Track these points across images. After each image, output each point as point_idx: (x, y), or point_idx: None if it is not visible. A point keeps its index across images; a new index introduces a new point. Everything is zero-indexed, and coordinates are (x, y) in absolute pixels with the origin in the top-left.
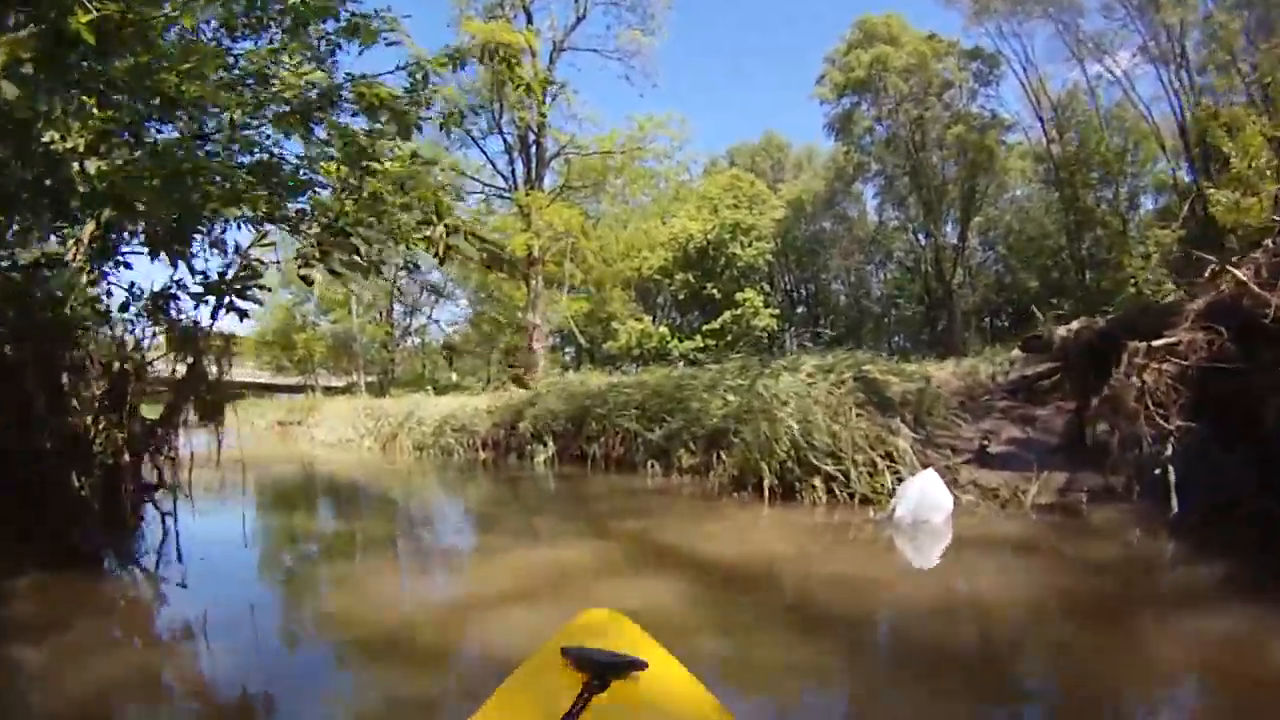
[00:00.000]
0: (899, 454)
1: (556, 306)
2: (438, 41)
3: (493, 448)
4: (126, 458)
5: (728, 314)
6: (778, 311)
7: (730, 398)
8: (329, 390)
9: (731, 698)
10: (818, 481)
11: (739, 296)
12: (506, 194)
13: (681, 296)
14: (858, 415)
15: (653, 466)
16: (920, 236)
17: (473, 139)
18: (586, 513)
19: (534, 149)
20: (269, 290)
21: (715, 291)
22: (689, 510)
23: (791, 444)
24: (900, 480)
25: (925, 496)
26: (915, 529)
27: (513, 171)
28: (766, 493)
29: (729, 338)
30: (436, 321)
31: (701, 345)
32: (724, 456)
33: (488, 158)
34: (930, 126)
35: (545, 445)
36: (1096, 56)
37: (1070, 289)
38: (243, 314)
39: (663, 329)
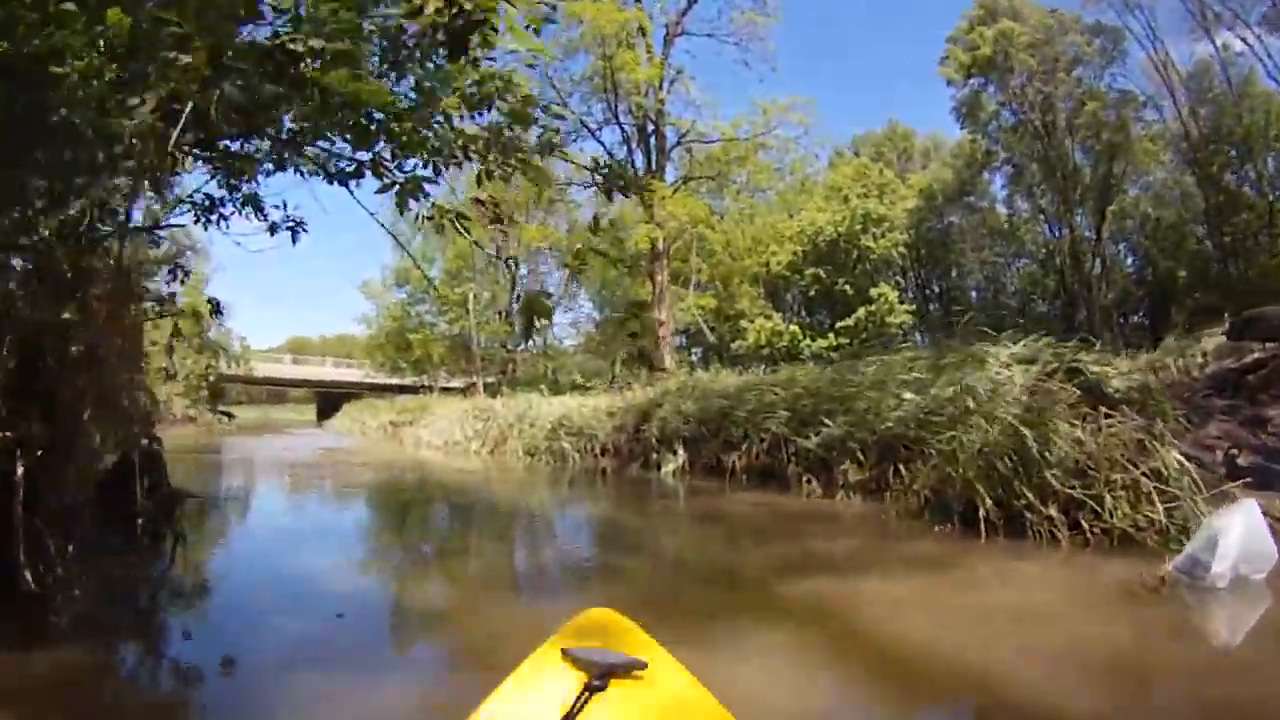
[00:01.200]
0: (1169, 473)
1: (682, 305)
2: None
3: (613, 454)
4: None
5: (862, 310)
6: (913, 307)
7: (907, 396)
8: (447, 391)
9: (732, 698)
10: (1054, 510)
11: (873, 292)
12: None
13: (812, 293)
14: (1106, 420)
15: (808, 482)
16: (1053, 228)
17: (589, 130)
18: (734, 560)
19: (653, 139)
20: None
21: (847, 287)
22: (877, 552)
23: (1017, 457)
24: (1177, 511)
25: (1249, 542)
26: (1236, 591)
27: (632, 163)
28: (982, 525)
29: (863, 336)
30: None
31: (834, 344)
32: (905, 471)
33: (605, 149)
34: (1060, 108)
35: (674, 453)
36: (1226, 25)
37: (1213, 279)
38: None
39: (793, 327)
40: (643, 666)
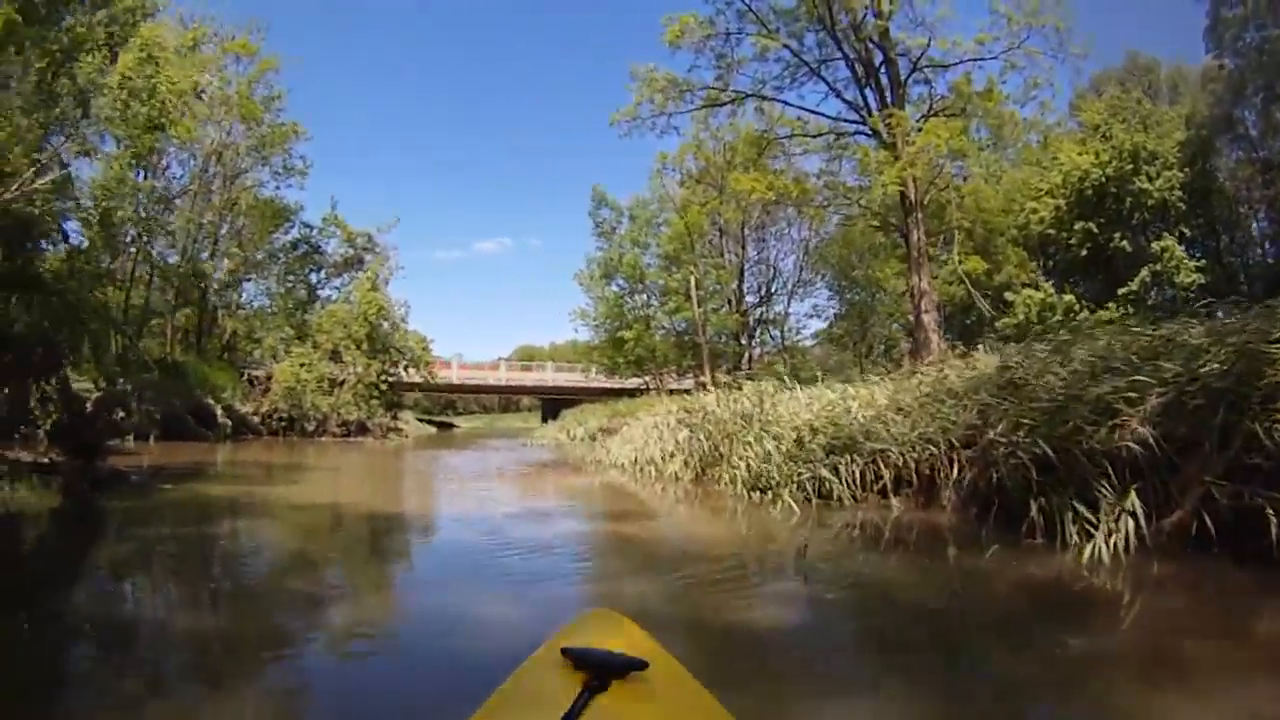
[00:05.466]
0: None
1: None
2: None
3: (919, 490)
4: None
5: (1145, 271)
6: (1201, 262)
7: None
8: (674, 394)
9: (733, 698)
10: None
11: (1155, 246)
12: (861, 126)
13: (1084, 252)
14: None
15: None
16: None
17: (809, 67)
18: None
19: (883, 70)
20: None
21: (1124, 243)
22: None
23: None
24: None
25: None
26: None
27: (865, 102)
28: None
29: (1148, 303)
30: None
31: (1115, 315)
32: None
33: (829, 85)
34: None
35: (1103, 501)
36: None
37: None
38: None
39: (1067, 297)
40: (644, 667)
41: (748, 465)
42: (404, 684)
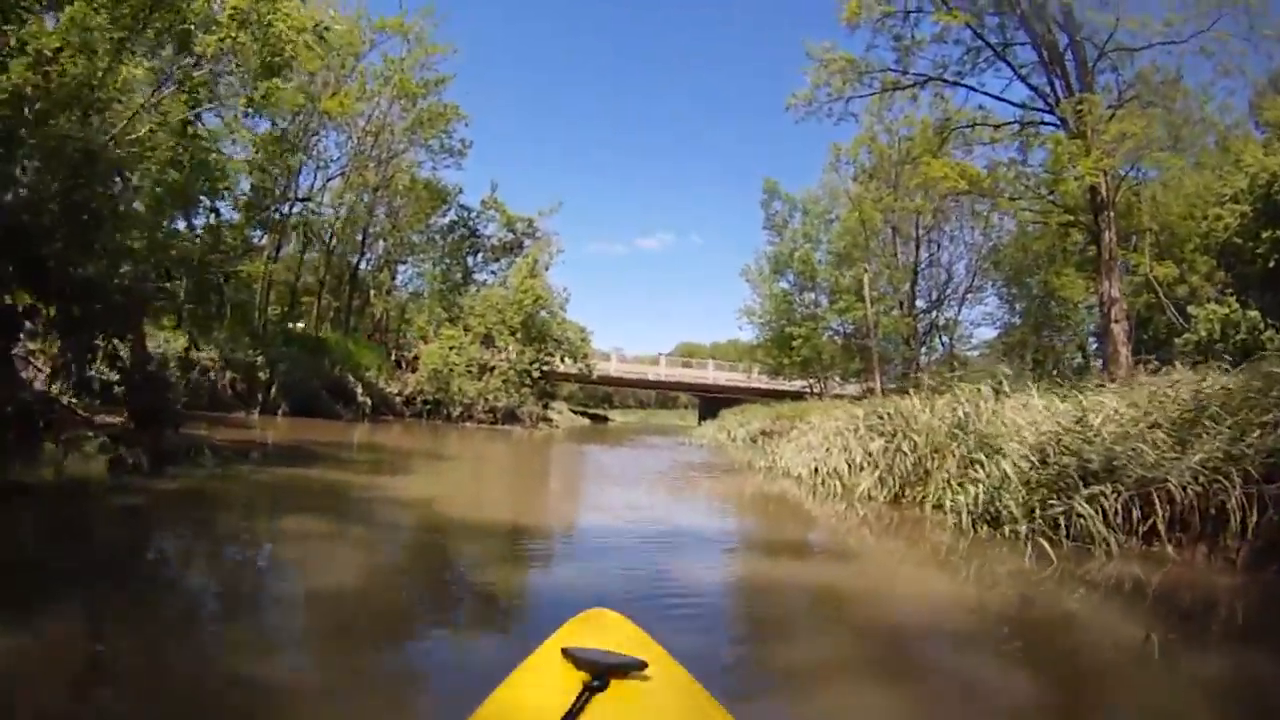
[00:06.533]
0: None
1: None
2: None
3: (1198, 534)
4: None
5: None
6: None
7: None
8: (839, 399)
9: (732, 699)
10: None
11: None
12: (1048, 115)
13: (1272, 263)
14: None
15: None
16: None
17: (993, 50)
18: None
19: (1068, 52)
20: None
21: None
22: None
23: None
24: None
25: None
26: None
27: (1052, 88)
28: None
29: None
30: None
31: None
32: None
33: (1013, 69)
34: None
35: None
36: None
37: None
38: None
39: (1251, 313)
40: (643, 666)
41: (976, 490)
42: None
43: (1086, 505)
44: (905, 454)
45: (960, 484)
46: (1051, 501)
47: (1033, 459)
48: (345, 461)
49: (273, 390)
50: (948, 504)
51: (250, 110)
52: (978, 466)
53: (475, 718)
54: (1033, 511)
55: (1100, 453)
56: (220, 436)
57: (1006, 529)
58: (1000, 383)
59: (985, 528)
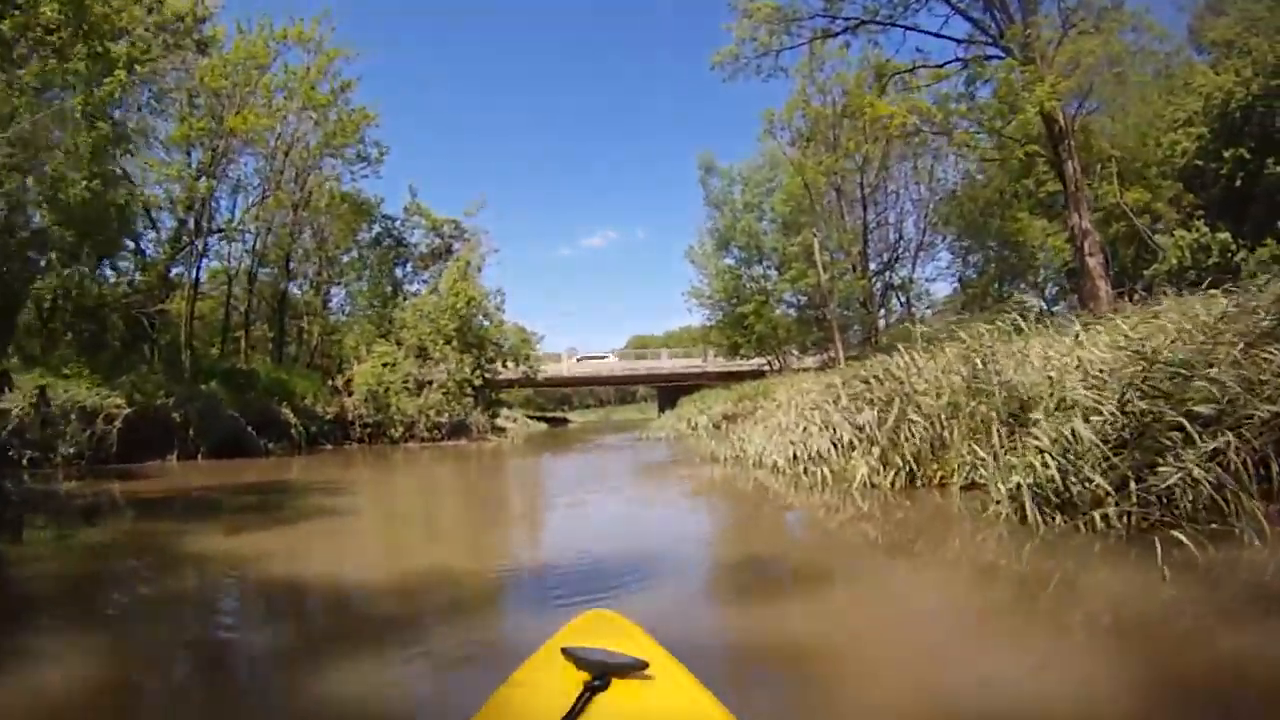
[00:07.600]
0: None
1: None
2: None
3: None
4: None
5: None
6: None
7: None
8: (801, 374)
9: (732, 698)
10: None
11: None
12: (991, 47)
13: (1238, 183)
14: None
15: None
16: None
17: None
18: None
19: None
20: None
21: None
22: None
23: None
24: None
25: None
26: None
27: (993, 19)
28: None
29: None
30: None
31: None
32: None
33: (949, 4)
34: None
35: None
36: None
37: None
38: None
39: (1221, 235)
40: (643, 666)
41: (1040, 462)
42: None
43: (1200, 469)
44: (915, 421)
45: (1009, 455)
46: (1158, 467)
47: (1104, 411)
48: (221, 510)
49: (190, 432)
50: (998, 487)
51: (88, 106)
52: (1025, 430)
53: (478, 717)
54: (1123, 486)
55: (1211, 389)
56: (119, 489)
57: (1088, 515)
58: (1021, 317)
59: (1057, 515)
